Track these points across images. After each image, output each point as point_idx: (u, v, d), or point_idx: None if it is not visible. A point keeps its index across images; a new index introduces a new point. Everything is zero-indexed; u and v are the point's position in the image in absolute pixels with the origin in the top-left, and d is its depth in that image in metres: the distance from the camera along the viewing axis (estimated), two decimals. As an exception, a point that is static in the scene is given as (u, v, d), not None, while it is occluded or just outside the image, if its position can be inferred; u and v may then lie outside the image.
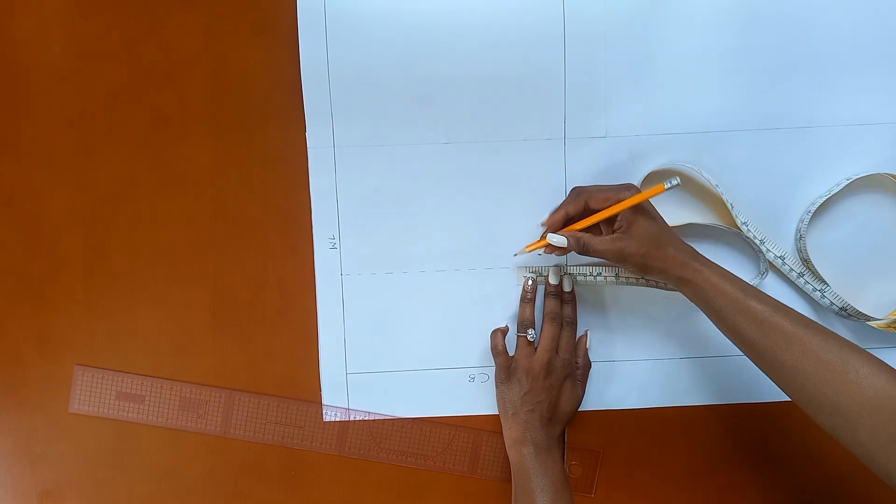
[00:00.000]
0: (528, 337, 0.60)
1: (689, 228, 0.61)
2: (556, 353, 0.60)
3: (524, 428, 0.59)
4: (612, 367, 0.64)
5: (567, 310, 0.61)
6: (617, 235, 0.55)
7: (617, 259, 0.55)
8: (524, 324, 0.61)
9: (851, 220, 0.62)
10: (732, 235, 0.62)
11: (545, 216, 0.61)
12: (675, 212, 0.62)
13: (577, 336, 0.62)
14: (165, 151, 0.62)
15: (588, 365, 0.62)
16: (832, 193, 0.61)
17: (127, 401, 0.64)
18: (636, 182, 0.61)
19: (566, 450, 0.65)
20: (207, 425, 0.64)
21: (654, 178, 0.61)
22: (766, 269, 0.62)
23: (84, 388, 0.64)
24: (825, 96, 0.61)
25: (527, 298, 0.62)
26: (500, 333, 0.61)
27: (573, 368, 0.61)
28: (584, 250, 0.56)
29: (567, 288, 0.62)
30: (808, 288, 0.61)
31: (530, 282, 0.62)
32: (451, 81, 0.60)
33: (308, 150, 0.61)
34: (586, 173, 0.62)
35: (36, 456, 0.64)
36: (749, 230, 0.60)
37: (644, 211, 0.56)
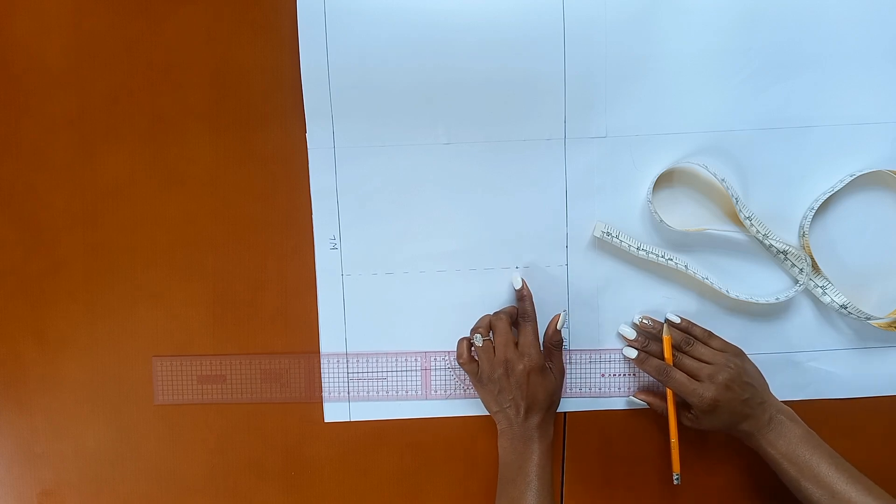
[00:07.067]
0: (477, 342, 0.59)
1: (707, 237, 0.61)
2: (516, 348, 0.59)
3: (507, 423, 0.59)
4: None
5: (523, 305, 0.61)
6: (694, 415, 0.60)
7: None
8: (476, 330, 0.60)
9: (854, 219, 0.62)
10: (754, 247, 0.62)
11: (546, 218, 0.62)
12: (681, 209, 0.62)
13: (550, 321, 0.62)
14: (165, 151, 0.62)
15: (559, 342, 0.61)
16: (835, 190, 0.61)
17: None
18: (648, 183, 0.61)
19: (565, 448, 0.64)
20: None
21: (663, 179, 0.61)
22: (801, 282, 0.61)
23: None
24: (825, 96, 0.61)
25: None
26: (464, 342, 0.61)
27: (538, 360, 0.59)
28: (663, 379, 0.60)
29: (517, 286, 0.61)
30: (811, 285, 0.61)
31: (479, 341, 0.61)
32: (450, 81, 0.60)
33: (308, 150, 0.61)
34: (586, 173, 0.62)
35: (36, 456, 0.64)
36: (752, 224, 0.60)
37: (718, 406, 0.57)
